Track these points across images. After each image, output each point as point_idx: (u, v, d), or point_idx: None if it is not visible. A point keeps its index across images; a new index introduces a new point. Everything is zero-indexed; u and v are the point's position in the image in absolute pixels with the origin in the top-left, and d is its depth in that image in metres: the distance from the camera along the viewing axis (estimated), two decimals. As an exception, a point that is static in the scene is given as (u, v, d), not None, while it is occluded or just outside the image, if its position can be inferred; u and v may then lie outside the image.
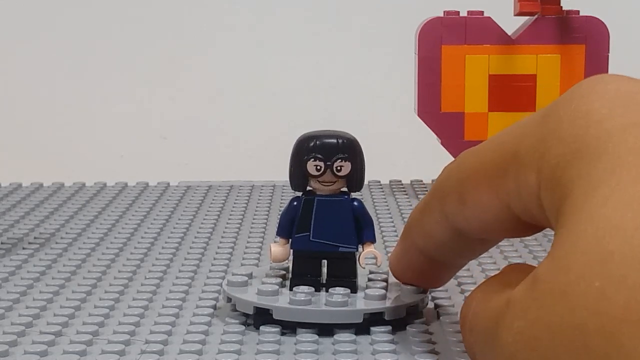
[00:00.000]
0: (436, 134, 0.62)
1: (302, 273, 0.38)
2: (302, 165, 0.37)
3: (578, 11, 0.61)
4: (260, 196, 0.63)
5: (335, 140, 0.37)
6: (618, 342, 0.22)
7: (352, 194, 0.38)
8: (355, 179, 0.37)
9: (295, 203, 0.38)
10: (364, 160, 0.38)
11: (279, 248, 0.38)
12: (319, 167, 0.37)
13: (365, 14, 1.19)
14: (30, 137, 1.17)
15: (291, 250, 0.38)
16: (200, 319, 0.37)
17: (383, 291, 0.37)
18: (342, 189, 0.38)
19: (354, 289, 0.37)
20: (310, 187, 0.38)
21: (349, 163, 0.37)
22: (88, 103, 1.19)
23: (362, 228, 0.38)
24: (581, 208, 0.24)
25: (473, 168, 0.31)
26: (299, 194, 0.38)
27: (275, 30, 1.19)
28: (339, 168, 0.37)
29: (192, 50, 1.19)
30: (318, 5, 1.20)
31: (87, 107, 1.19)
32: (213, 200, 0.62)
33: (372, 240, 0.38)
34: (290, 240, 0.38)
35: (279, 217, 0.39)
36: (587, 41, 0.61)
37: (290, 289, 0.38)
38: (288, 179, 0.38)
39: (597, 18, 0.61)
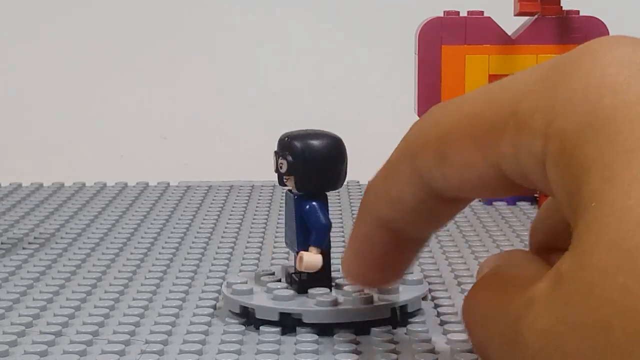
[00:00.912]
0: (436, 134, 0.62)
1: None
2: None
3: (578, 11, 0.61)
4: (260, 196, 0.63)
5: (283, 138, 0.37)
6: None
7: (327, 193, 0.37)
8: (296, 179, 0.37)
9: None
10: (314, 162, 0.36)
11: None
12: (274, 163, 0.38)
13: (365, 14, 1.19)
14: (30, 137, 1.17)
15: None
16: (200, 319, 0.37)
17: (328, 293, 0.37)
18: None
19: (302, 289, 0.37)
20: None
21: (285, 161, 0.37)
22: (88, 103, 1.19)
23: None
24: (602, 200, 0.23)
25: (456, 122, 0.28)
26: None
27: (275, 30, 1.19)
28: (280, 165, 0.37)
29: (192, 50, 1.19)
30: (318, 5, 1.20)
31: (87, 107, 1.19)
32: (213, 200, 0.62)
33: (315, 244, 0.37)
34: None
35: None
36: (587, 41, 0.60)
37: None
38: None
39: (597, 18, 0.61)
